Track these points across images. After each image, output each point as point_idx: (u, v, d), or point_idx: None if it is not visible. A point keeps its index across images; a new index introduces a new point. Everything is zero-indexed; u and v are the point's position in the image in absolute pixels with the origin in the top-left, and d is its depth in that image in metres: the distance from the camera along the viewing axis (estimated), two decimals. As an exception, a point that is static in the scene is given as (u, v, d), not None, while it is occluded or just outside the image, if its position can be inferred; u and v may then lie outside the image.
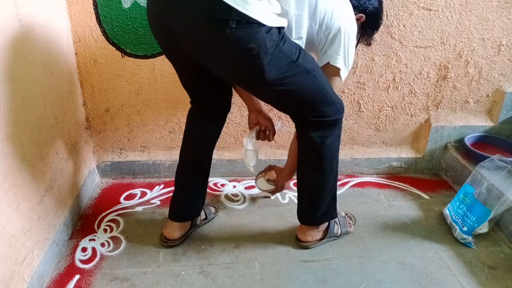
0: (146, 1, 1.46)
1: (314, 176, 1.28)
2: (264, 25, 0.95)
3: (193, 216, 1.42)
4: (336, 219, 1.43)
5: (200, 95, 1.28)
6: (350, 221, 1.50)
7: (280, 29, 1.01)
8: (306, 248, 1.39)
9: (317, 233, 1.39)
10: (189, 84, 1.25)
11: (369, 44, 1.50)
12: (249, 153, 1.36)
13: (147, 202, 1.63)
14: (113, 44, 1.53)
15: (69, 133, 1.47)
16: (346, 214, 1.52)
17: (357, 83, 1.70)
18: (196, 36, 0.99)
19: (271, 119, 1.36)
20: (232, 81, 1.22)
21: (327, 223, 1.41)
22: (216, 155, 1.78)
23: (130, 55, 1.55)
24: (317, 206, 1.33)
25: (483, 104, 1.81)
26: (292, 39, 1.09)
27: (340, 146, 1.83)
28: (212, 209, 1.55)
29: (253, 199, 1.68)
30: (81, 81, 1.59)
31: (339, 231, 1.43)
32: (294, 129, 1.81)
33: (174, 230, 1.37)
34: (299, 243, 1.40)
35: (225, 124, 1.71)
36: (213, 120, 1.33)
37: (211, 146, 1.37)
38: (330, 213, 1.37)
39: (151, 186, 1.73)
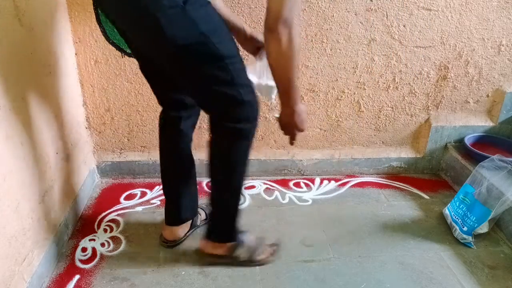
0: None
1: (213, 183, 1.20)
2: None
3: (187, 218, 1.39)
4: (243, 241, 1.30)
5: (159, 87, 1.19)
6: (267, 251, 1.34)
7: None
8: (208, 263, 1.30)
9: (218, 249, 1.29)
10: (147, 76, 1.18)
11: None
12: (264, 88, 1.15)
13: (147, 202, 1.63)
14: (113, 44, 1.53)
15: (69, 133, 1.47)
16: (270, 244, 1.37)
17: (357, 83, 1.70)
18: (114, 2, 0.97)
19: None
20: (143, 51, 1.09)
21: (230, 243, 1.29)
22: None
23: (130, 55, 1.55)
24: (215, 220, 1.26)
25: (483, 104, 1.81)
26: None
27: (340, 146, 1.86)
28: None
29: (253, 199, 1.68)
30: (81, 81, 1.59)
31: (244, 255, 1.30)
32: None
33: (172, 232, 1.37)
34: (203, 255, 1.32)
35: (225, 124, 1.72)
36: (180, 115, 1.22)
37: (186, 144, 1.28)
38: (227, 234, 1.27)
39: (151, 186, 1.73)
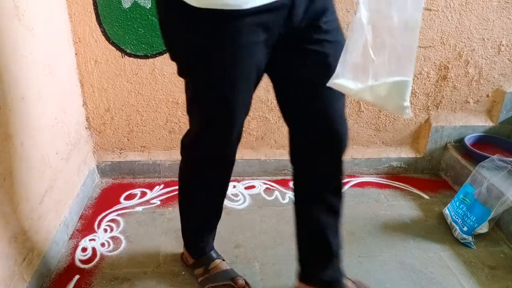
0: (146, 1, 1.47)
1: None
2: None
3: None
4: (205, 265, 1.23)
5: None
6: None
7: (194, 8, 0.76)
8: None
9: (186, 256, 1.28)
10: None
11: None
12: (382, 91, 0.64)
13: (147, 202, 1.63)
14: (113, 44, 1.53)
15: (69, 133, 1.47)
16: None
17: (357, 83, 1.70)
18: None
19: None
20: None
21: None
22: (216, 155, 1.78)
23: (130, 55, 1.55)
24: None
25: (483, 104, 1.81)
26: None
27: (340, 146, 1.85)
28: None
29: (253, 199, 1.68)
30: (81, 81, 1.59)
31: (201, 279, 1.23)
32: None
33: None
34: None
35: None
36: None
37: None
38: (185, 244, 1.26)
39: (151, 186, 1.73)
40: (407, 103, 0.64)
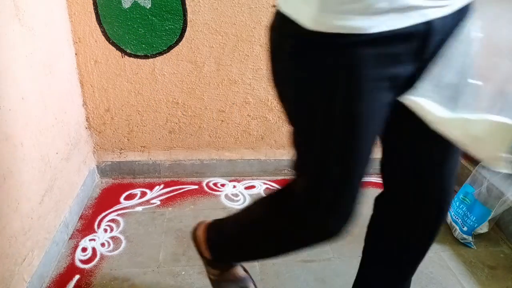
0: (146, 1, 1.47)
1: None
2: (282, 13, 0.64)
3: None
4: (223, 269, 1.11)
5: None
6: None
7: (319, 36, 0.59)
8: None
9: (205, 250, 1.10)
10: None
11: None
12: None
13: (147, 202, 1.63)
14: (113, 44, 1.53)
15: (69, 133, 1.47)
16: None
17: (357, 83, 1.70)
18: None
19: None
20: None
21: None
22: (216, 155, 1.78)
23: (130, 55, 1.55)
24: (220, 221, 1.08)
25: (483, 104, 1.80)
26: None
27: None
28: None
29: (253, 199, 1.68)
30: (81, 81, 1.59)
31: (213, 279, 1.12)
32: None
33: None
34: None
35: (225, 124, 1.72)
36: None
37: None
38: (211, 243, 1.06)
39: (151, 186, 1.73)
40: (506, 155, 0.49)
